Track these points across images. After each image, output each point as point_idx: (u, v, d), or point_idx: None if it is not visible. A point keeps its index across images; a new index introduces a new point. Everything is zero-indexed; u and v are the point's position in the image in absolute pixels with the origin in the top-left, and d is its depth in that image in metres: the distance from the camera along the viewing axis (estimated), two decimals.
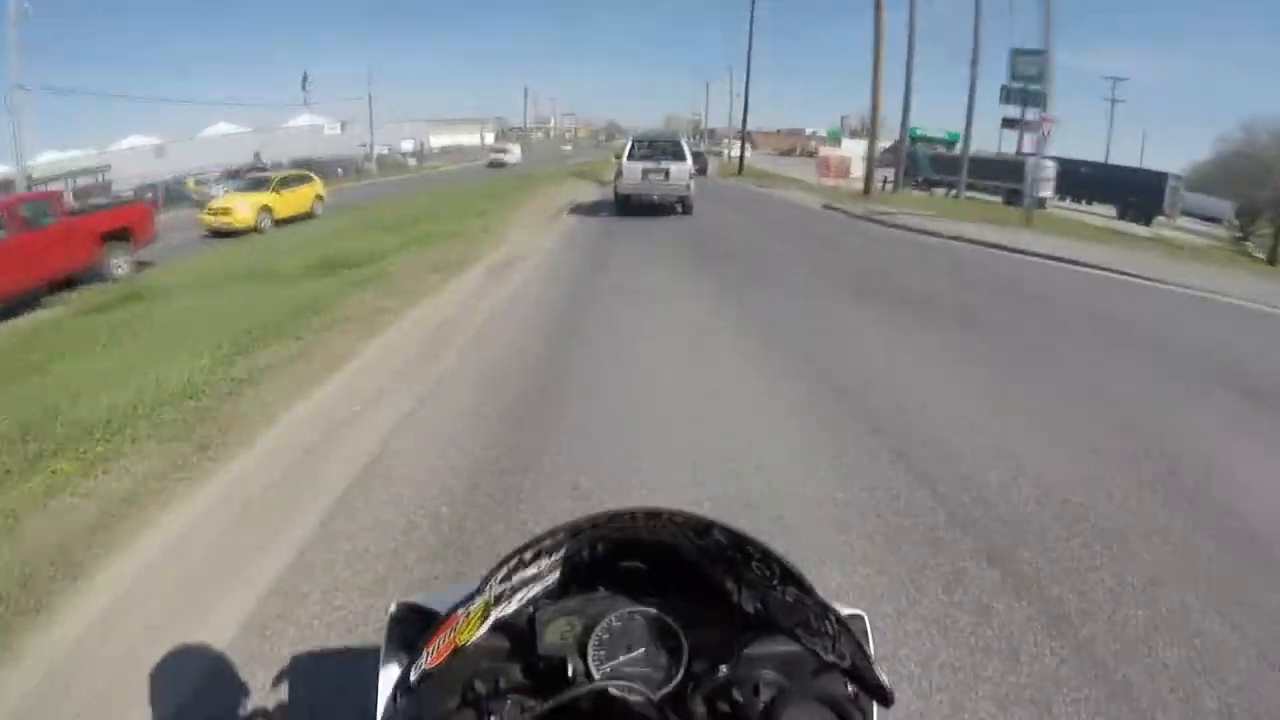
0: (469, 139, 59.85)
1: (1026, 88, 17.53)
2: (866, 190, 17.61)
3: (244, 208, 12.99)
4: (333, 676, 1.63)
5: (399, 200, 15.97)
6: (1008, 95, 18.80)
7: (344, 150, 37.65)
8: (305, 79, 37.60)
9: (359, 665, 1.51)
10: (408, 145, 51.58)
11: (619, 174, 11.93)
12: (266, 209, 13.31)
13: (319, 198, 15.74)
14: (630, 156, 11.73)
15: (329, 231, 10.06)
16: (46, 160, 27.01)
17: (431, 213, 11.69)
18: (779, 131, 65.84)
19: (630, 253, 7.14)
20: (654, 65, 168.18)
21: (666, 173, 11.42)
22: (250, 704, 1.54)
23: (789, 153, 55.53)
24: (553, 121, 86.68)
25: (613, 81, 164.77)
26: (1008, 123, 20.32)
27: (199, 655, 1.54)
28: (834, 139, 62.57)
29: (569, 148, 60.12)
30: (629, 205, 11.79)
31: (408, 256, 6.14)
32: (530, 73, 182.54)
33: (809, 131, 59.21)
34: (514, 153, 40.41)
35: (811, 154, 57.15)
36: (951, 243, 9.16)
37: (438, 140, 55.10)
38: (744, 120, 31.43)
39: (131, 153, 30.07)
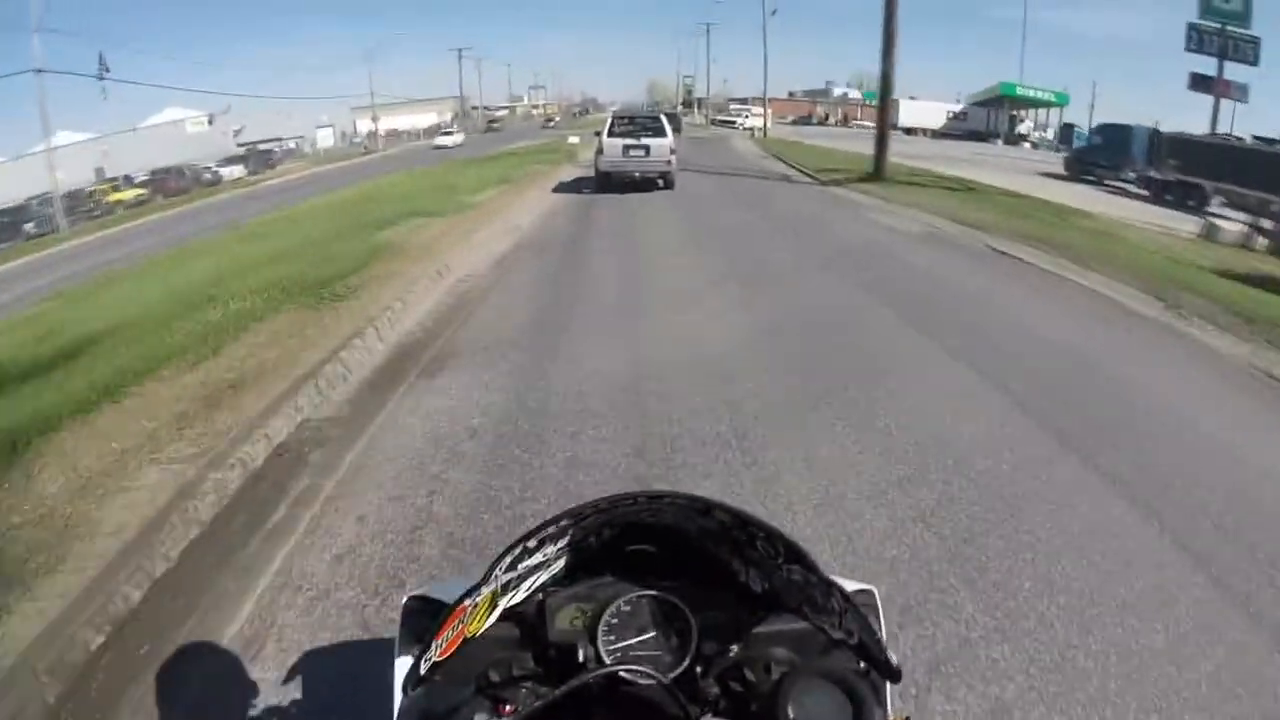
0: (426, 120, 59.52)
1: (1226, 30, 12.75)
2: (878, 172, 13.75)
3: None
4: (349, 670, 1.92)
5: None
6: (1198, 41, 13.99)
7: (213, 150, 33.28)
8: (101, 61, 26.88)
9: (375, 658, 1.73)
10: (324, 134, 50.78)
11: (599, 151, 13.26)
12: None
13: None
14: (610, 133, 13.11)
15: None
16: None
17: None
18: (791, 95, 61.49)
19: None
20: (631, 30, 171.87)
21: (647, 149, 12.84)
22: (264, 702, 1.81)
23: (805, 119, 53.06)
24: (526, 99, 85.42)
25: (588, 52, 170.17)
26: (1198, 82, 14.50)
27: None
28: (870, 100, 62.83)
29: (555, 122, 58.49)
30: (610, 182, 12.99)
31: None
32: (497, 49, 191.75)
33: (839, 92, 56.11)
34: (456, 137, 40.89)
35: (842, 120, 52.43)
36: None
37: (393, 123, 55.26)
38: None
39: None
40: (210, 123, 38.02)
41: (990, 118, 42.35)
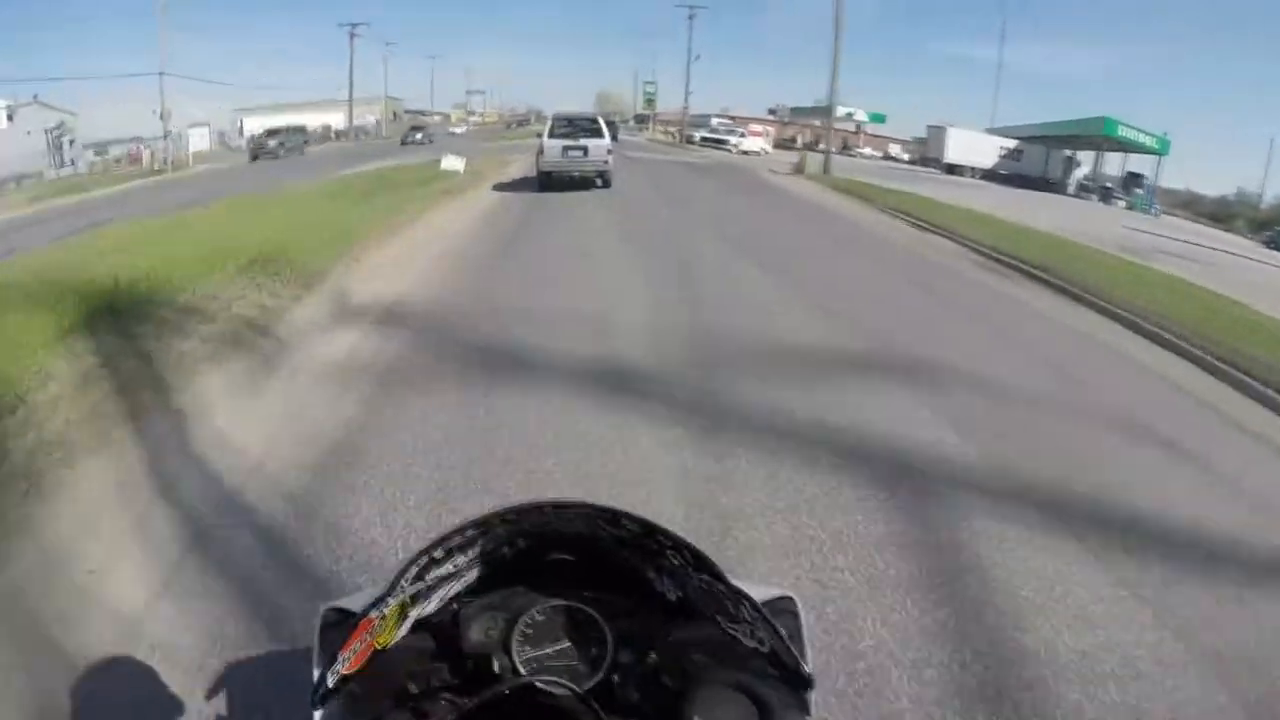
0: (333, 120, 58.77)
1: None
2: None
3: None
4: (268, 683, 2.23)
5: None
6: None
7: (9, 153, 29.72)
8: None
9: (295, 671, 2.03)
10: (196, 134, 47.93)
11: (540, 151, 16.27)
12: None
13: None
14: (550, 135, 16.33)
15: None
16: None
17: None
18: (774, 114, 60.40)
19: None
20: (582, 39, 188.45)
21: (585, 149, 16.15)
22: (185, 718, 2.06)
23: (788, 143, 49.96)
24: (461, 106, 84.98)
25: (539, 63, 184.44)
26: None
27: None
28: (877, 121, 56.04)
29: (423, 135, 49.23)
30: (550, 181, 16.10)
31: None
32: (425, 47, 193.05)
33: (843, 113, 62.54)
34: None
35: (841, 147, 46.26)
36: None
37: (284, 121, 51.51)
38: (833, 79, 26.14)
39: None
40: (9, 118, 34.59)
41: (1048, 159, 39.25)
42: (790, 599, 0.97)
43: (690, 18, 50.51)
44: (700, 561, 0.85)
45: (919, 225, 14.69)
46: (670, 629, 0.91)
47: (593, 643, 0.90)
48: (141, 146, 44.62)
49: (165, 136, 36.76)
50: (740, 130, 45.51)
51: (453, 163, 19.92)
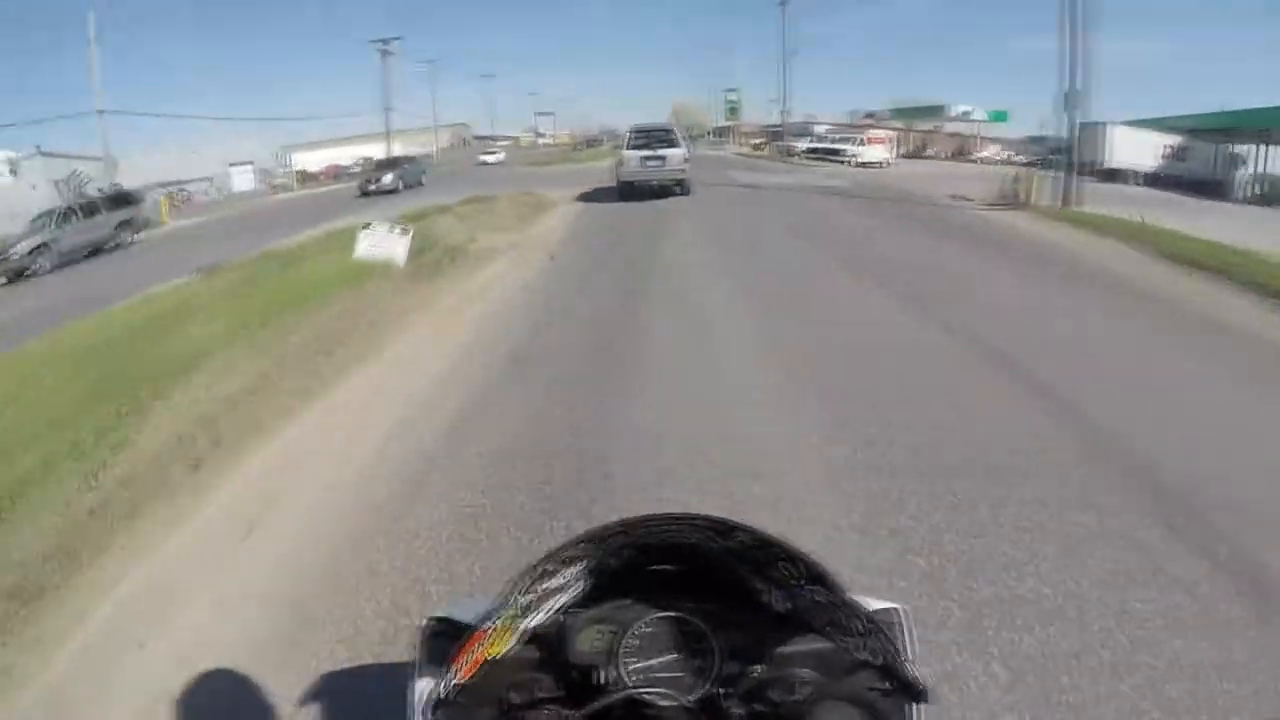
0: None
1: None
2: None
3: None
4: (365, 693, 2.46)
5: None
6: None
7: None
8: None
9: (391, 681, 2.02)
10: (240, 174, 49.81)
11: (620, 162, 18.79)
12: None
13: None
14: (629, 146, 18.65)
15: None
16: None
17: None
18: (872, 116, 55.76)
19: None
20: (653, 60, 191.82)
21: (663, 159, 18.22)
22: None
23: (918, 151, 47.47)
24: (530, 127, 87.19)
25: (611, 81, 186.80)
26: None
27: None
28: (999, 119, 50.39)
29: (490, 158, 52.75)
30: (631, 190, 18.12)
31: None
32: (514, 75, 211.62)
33: (958, 111, 51.25)
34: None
35: (955, 153, 45.98)
36: None
37: (335, 157, 55.60)
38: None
39: None
40: (13, 172, 33.69)
41: (1218, 157, 34.37)
42: (898, 611, 1.03)
43: (782, 3, 47.98)
44: (814, 573, 0.92)
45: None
46: (778, 642, 0.96)
47: (700, 655, 0.95)
48: (184, 190, 44.45)
49: (109, 178, 32.19)
50: (858, 137, 39.33)
51: (379, 242, 10.69)
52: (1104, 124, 36.46)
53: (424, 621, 1.07)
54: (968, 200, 18.56)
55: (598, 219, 15.93)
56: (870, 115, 57.27)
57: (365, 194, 30.82)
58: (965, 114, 50.43)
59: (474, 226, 14.62)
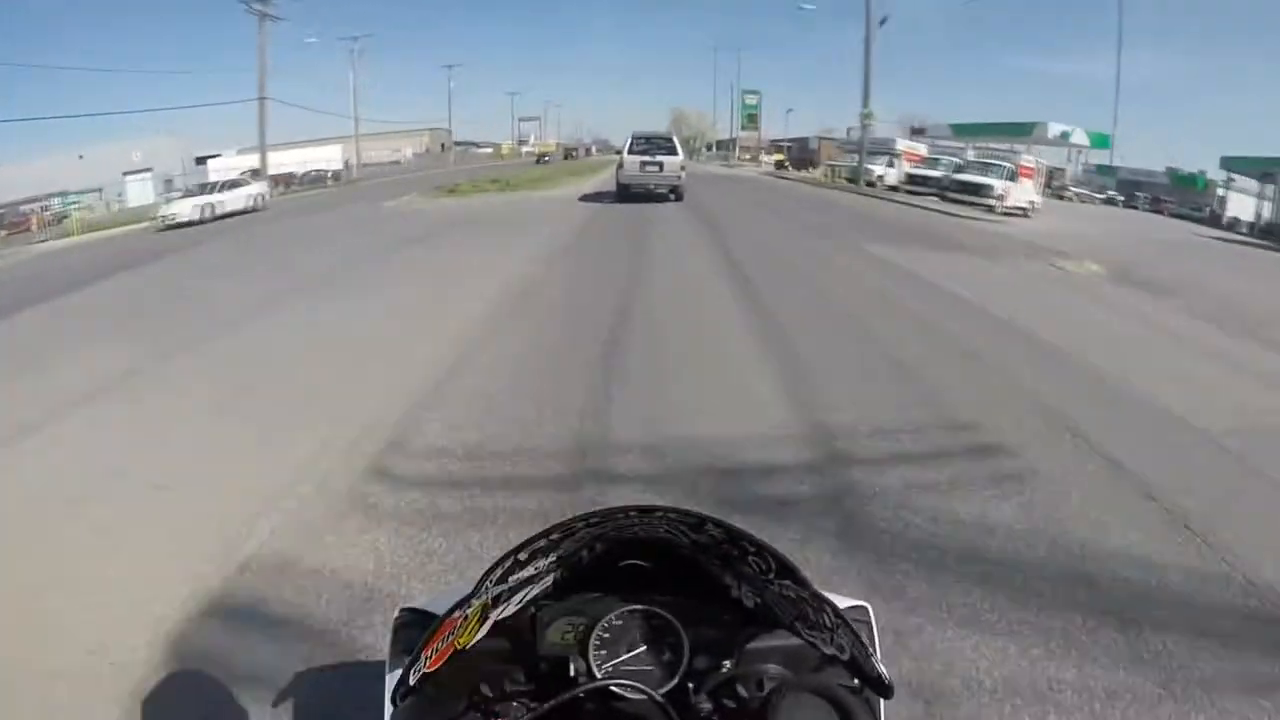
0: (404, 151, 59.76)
1: None
2: None
3: None
4: (341, 687, 2.76)
5: None
6: None
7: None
8: None
9: (367, 676, 2.64)
10: (135, 184, 46.08)
11: (620, 166, 22.25)
12: None
13: None
14: (629, 151, 22.19)
15: None
16: None
17: None
18: (917, 134, 47.46)
19: None
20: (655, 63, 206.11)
21: (661, 165, 21.97)
22: None
23: (1059, 192, 39.76)
24: (525, 132, 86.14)
25: (611, 94, 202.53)
26: None
27: None
28: (1102, 145, 45.13)
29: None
30: (628, 193, 21.77)
31: None
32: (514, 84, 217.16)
33: (1056, 132, 46.54)
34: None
35: (1047, 184, 33.55)
36: None
37: (287, 160, 49.42)
38: None
39: None
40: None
41: None
42: (864, 609, 1.14)
43: None
44: (784, 567, 1.00)
45: None
46: (748, 638, 1.07)
47: (669, 649, 1.06)
48: (40, 207, 37.98)
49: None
50: (1003, 165, 28.23)
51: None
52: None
53: (395, 613, 1.18)
54: None
55: None
56: (918, 132, 49.07)
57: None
58: (1064, 135, 45.25)
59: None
